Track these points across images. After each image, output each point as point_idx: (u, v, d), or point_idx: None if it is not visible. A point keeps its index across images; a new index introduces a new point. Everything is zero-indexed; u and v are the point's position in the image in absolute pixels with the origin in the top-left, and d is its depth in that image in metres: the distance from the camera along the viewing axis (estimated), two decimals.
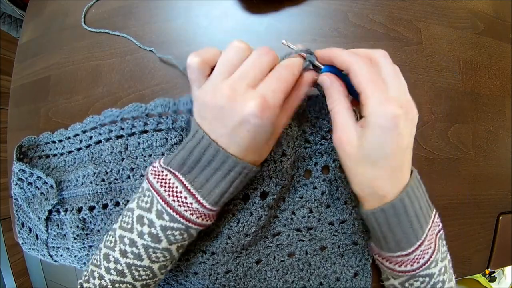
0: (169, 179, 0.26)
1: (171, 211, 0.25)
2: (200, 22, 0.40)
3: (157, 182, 0.26)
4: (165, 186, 0.26)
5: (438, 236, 0.28)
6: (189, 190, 0.25)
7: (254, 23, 0.39)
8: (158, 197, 0.26)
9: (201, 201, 0.25)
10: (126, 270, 0.26)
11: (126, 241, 0.26)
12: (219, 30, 0.39)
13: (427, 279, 0.27)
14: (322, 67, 0.27)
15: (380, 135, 0.22)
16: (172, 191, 0.25)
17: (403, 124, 0.22)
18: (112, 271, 0.26)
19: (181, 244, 0.27)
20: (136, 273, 0.27)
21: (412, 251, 0.25)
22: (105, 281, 0.27)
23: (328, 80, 0.26)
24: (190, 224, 0.26)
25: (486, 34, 0.41)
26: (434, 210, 0.28)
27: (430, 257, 0.26)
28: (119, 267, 0.26)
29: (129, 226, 0.27)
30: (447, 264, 0.29)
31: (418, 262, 0.26)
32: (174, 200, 0.25)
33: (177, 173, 0.25)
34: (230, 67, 0.23)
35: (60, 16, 0.48)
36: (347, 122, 0.24)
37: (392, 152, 0.23)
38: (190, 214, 0.25)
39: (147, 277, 0.27)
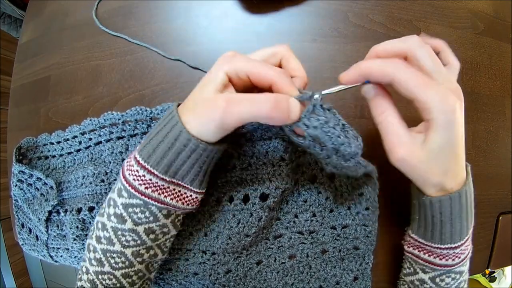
0: (131, 155, 0.26)
1: (127, 185, 0.25)
2: (200, 22, 0.40)
3: (126, 161, 0.26)
4: (128, 163, 0.26)
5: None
6: (138, 160, 0.25)
7: (254, 23, 0.39)
8: (121, 175, 0.26)
9: (149, 168, 0.24)
10: (103, 258, 0.26)
11: (99, 225, 0.27)
12: (219, 30, 0.39)
13: (458, 276, 0.28)
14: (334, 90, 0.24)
15: (445, 132, 0.22)
16: (129, 164, 0.25)
17: (459, 113, 0.22)
18: (93, 261, 0.27)
19: (148, 226, 0.26)
20: (112, 261, 0.26)
21: (460, 244, 0.26)
22: (91, 274, 0.27)
23: (372, 90, 0.24)
24: (147, 199, 0.25)
25: (486, 34, 0.41)
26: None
27: (468, 253, 0.27)
28: (97, 255, 0.26)
29: (102, 210, 0.27)
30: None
31: (459, 257, 0.27)
32: (129, 174, 0.25)
33: (135, 152, 0.26)
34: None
35: (60, 16, 0.48)
36: (402, 135, 0.23)
37: (457, 143, 0.23)
38: (145, 187, 0.25)
39: (123, 265, 0.27)
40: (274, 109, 0.21)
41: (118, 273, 0.27)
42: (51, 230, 0.42)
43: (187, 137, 0.23)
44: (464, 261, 0.27)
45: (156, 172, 0.24)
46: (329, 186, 0.33)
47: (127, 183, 0.25)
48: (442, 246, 0.27)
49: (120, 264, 0.27)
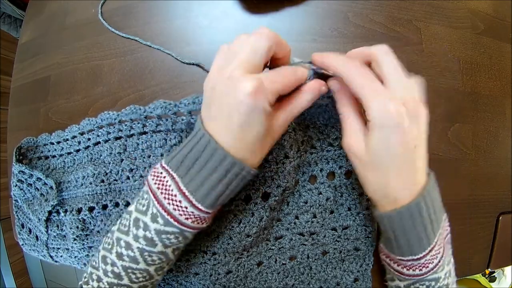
0: (166, 181, 0.25)
1: (165, 214, 0.24)
2: (200, 22, 0.39)
3: (155, 183, 0.26)
4: (161, 188, 0.25)
5: (445, 240, 0.28)
6: (184, 193, 0.24)
7: (254, 23, 0.39)
8: (154, 200, 0.25)
9: (196, 204, 0.24)
10: (122, 273, 0.26)
11: (122, 243, 0.26)
12: (219, 30, 0.39)
13: (433, 283, 0.27)
14: (330, 73, 0.26)
15: (384, 135, 0.22)
16: (168, 193, 0.25)
17: (406, 123, 0.22)
18: (109, 273, 0.26)
19: (176, 246, 0.27)
20: (133, 276, 0.26)
21: (423, 255, 0.25)
22: (103, 283, 0.26)
23: (337, 85, 0.26)
24: (184, 228, 0.25)
25: (486, 34, 0.41)
26: (445, 213, 0.28)
27: (439, 262, 0.26)
28: (116, 269, 0.26)
29: (126, 228, 0.26)
30: (451, 267, 0.29)
31: (427, 267, 0.26)
32: (169, 203, 0.24)
33: (174, 175, 0.25)
34: (231, 56, 0.23)
35: (60, 16, 0.48)
36: (355, 127, 0.25)
37: (399, 152, 0.22)
38: (185, 218, 0.25)
39: (144, 279, 0.27)
40: (312, 101, 0.26)
41: (135, 286, 0.27)
42: (51, 230, 0.42)
43: (241, 166, 0.24)
44: (435, 269, 0.26)
45: (201, 207, 0.24)
46: (329, 187, 0.33)
47: (165, 211, 0.25)
48: (404, 258, 0.26)
49: (140, 279, 0.27)
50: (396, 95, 0.22)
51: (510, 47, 0.42)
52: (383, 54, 0.24)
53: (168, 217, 0.25)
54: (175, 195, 0.24)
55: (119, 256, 0.26)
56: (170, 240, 0.26)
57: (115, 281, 0.26)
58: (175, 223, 0.25)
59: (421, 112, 0.23)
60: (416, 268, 0.26)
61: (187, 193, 0.24)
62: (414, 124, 0.22)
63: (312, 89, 0.25)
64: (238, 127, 0.22)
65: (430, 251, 0.25)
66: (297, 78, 0.25)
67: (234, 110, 0.22)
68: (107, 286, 0.26)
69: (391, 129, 0.22)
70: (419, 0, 0.39)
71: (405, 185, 0.24)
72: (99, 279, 0.27)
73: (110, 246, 0.27)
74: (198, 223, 0.26)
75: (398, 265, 0.28)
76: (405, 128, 0.22)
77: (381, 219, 0.26)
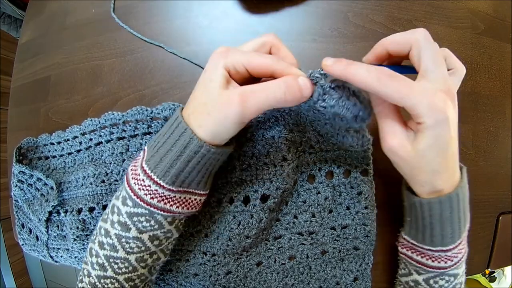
0: (137, 162, 0.25)
1: (132, 195, 0.25)
2: (200, 22, 0.39)
3: (131, 167, 0.26)
4: (133, 170, 0.25)
5: (466, 237, 0.28)
6: (145, 170, 0.24)
7: (254, 23, 0.39)
8: (126, 182, 0.25)
9: (157, 180, 0.24)
10: (106, 263, 0.26)
11: (102, 231, 0.26)
12: (219, 30, 0.39)
13: (452, 278, 0.28)
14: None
15: (434, 133, 0.22)
16: (135, 173, 0.25)
17: (451, 114, 0.22)
18: (95, 265, 0.26)
19: (153, 233, 0.26)
20: (115, 266, 0.26)
21: (452, 248, 0.26)
22: (92, 277, 0.27)
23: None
24: (152, 209, 0.25)
25: (486, 34, 0.41)
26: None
27: (462, 256, 0.27)
28: (99, 260, 0.26)
29: (105, 216, 0.27)
30: (465, 267, 0.29)
31: (452, 260, 0.27)
32: (135, 183, 0.25)
33: (144, 155, 0.25)
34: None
35: (60, 16, 0.48)
36: (397, 127, 0.24)
37: (446, 143, 0.22)
38: (151, 198, 0.24)
39: (126, 270, 0.27)
40: (288, 92, 0.22)
41: (120, 278, 0.27)
42: (51, 230, 0.42)
43: (198, 144, 0.23)
44: (458, 264, 0.27)
45: (163, 183, 0.24)
46: (327, 186, 0.33)
47: (132, 192, 0.25)
48: (433, 249, 0.27)
49: (123, 269, 0.27)
50: (438, 88, 0.22)
51: (510, 47, 0.42)
52: (423, 41, 0.23)
53: (135, 197, 0.25)
54: (139, 174, 0.25)
55: (101, 245, 0.26)
56: (142, 223, 0.25)
57: (101, 273, 0.26)
58: (142, 203, 0.24)
59: (456, 103, 0.23)
60: (441, 260, 0.27)
61: (147, 170, 0.24)
62: (455, 114, 0.22)
63: (285, 81, 0.22)
64: (197, 88, 0.24)
65: (459, 244, 0.26)
66: (269, 65, 0.23)
67: (202, 75, 0.24)
68: (96, 280, 0.26)
69: (441, 125, 0.22)
70: (419, 0, 0.39)
71: (448, 175, 0.24)
72: (89, 274, 0.27)
73: (94, 237, 0.27)
74: (165, 203, 0.25)
75: (423, 257, 0.28)
76: (450, 120, 0.22)
77: (421, 205, 0.26)
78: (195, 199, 0.27)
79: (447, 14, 0.40)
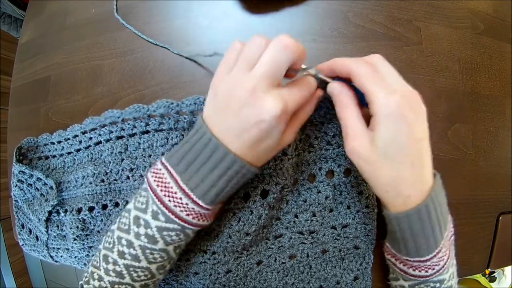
0: (165, 178, 0.25)
1: (166, 211, 0.25)
2: (200, 22, 0.39)
3: (155, 181, 0.26)
4: (161, 186, 0.25)
5: (450, 241, 0.28)
6: (184, 190, 0.24)
7: (254, 23, 0.39)
8: (154, 197, 0.25)
9: (197, 201, 0.24)
10: (124, 271, 0.26)
11: (124, 242, 0.26)
12: (219, 30, 0.39)
13: (437, 284, 0.27)
14: (331, 80, 0.27)
15: (390, 127, 0.22)
16: (168, 191, 0.25)
17: (410, 114, 0.22)
18: (111, 272, 0.26)
19: (178, 244, 0.27)
20: (135, 274, 0.26)
21: (430, 258, 0.25)
22: (104, 282, 0.26)
23: (337, 88, 0.26)
24: (186, 225, 0.25)
25: (486, 34, 0.41)
26: (449, 215, 0.28)
27: (445, 264, 0.26)
28: (117, 268, 0.26)
29: (126, 227, 0.26)
30: (454, 269, 0.29)
31: (433, 269, 0.26)
32: (170, 201, 0.25)
33: (172, 171, 0.25)
34: (251, 61, 0.23)
35: (60, 16, 0.48)
36: (357, 128, 0.24)
37: (406, 143, 0.23)
38: (186, 214, 0.25)
39: (145, 278, 0.27)
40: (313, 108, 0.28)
41: (137, 284, 0.27)
42: (51, 230, 0.42)
43: (241, 165, 0.24)
44: (441, 271, 0.26)
45: (201, 204, 0.25)
46: (328, 185, 0.33)
47: (166, 208, 0.25)
48: (411, 259, 0.26)
49: (142, 277, 0.27)
50: (398, 89, 0.23)
51: (510, 47, 0.42)
52: (378, 59, 0.25)
53: (169, 214, 0.25)
54: (175, 192, 0.25)
55: (121, 254, 0.26)
56: (172, 237, 0.26)
57: (117, 279, 0.26)
58: (177, 220, 0.25)
59: (422, 107, 0.23)
60: (422, 269, 0.26)
61: (187, 190, 0.24)
62: (417, 117, 0.23)
63: (317, 98, 0.27)
64: (253, 140, 0.23)
65: (437, 253, 0.25)
66: (311, 92, 0.26)
67: (254, 125, 0.22)
68: (109, 285, 0.26)
69: (397, 120, 0.22)
70: (419, 0, 0.39)
71: (414, 182, 0.24)
72: (100, 278, 0.27)
73: (111, 245, 0.27)
74: (199, 219, 0.26)
75: (404, 265, 0.28)
76: (409, 120, 0.22)
77: (390, 219, 0.26)
78: (219, 207, 0.28)
79: (447, 14, 0.40)
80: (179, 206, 0.25)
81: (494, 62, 0.41)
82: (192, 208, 0.25)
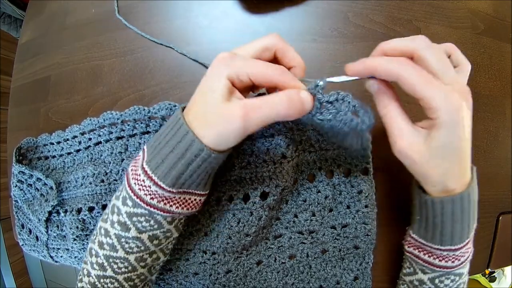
0: (137, 162, 0.25)
1: (132, 195, 0.25)
2: (200, 22, 0.39)
3: (131, 166, 0.26)
4: (133, 171, 0.25)
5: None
6: (146, 171, 0.24)
7: (254, 23, 0.39)
8: (126, 182, 0.25)
9: (157, 182, 0.24)
10: (105, 263, 0.26)
11: (102, 231, 0.26)
12: (219, 30, 0.39)
13: (457, 278, 0.28)
14: (350, 78, 0.25)
15: (449, 132, 0.22)
16: (135, 174, 0.25)
17: (466, 114, 0.22)
18: (95, 265, 0.27)
19: (152, 233, 0.26)
20: (115, 266, 0.26)
21: (461, 247, 0.26)
22: (92, 277, 0.27)
23: (375, 85, 0.25)
24: (152, 209, 0.25)
25: (486, 34, 0.41)
26: None
27: (469, 256, 0.27)
28: (99, 260, 0.26)
29: (106, 216, 0.27)
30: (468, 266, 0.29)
31: (459, 260, 0.27)
32: (135, 184, 0.25)
33: (145, 155, 0.25)
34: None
35: (60, 16, 0.48)
36: (404, 128, 0.24)
37: (460, 145, 0.23)
38: (150, 198, 0.24)
39: (126, 270, 0.27)
40: (290, 107, 0.22)
41: (120, 277, 0.27)
42: (51, 230, 0.42)
43: (199, 147, 0.23)
44: (464, 263, 0.27)
45: (163, 185, 0.24)
46: (328, 185, 0.33)
47: (132, 192, 0.25)
48: (442, 248, 0.27)
49: (123, 269, 0.27)
50: (454, 88, 0.22)
51: (510, 47, 0.42)
52: (427, 48, 0.23)
53: (135, 197, 0.25)
54: (139, 175, 0.25)
55: (101, 245, 0.26)
56: (142, 223, 0.25)
57: (101, 273, 0.26)
58: (142, 204, 0.25)
59: (471, 101, 0.23)
60: (449, 260, 0.27)
61: (148, 171, 0.24)
62: (469, 114, 0.23)
63: (288, 96, 0.22)
64: (200, 91, 0.23)
65: (466, 244, 0.26)
66: (272, 77, 0.23)
67: (204, 79, 0.23)
68: (96, 280, 0.27)
69: (457, 125, 0.22)
70: (419, 0, 0.39)
71: (460, 175, 0.24)
72: (88, 274, 0.27)
73: (94, 237, 0.27)
74: (164, 203, 0.25)
75: (430, 256, 0.28)
76: (467, 121, 0.22)
77: (432, 204, 0.26)
78: (195, 199, 0.27)
79: (447, 14, 0.40)
80: (143, 190, 0.24)
81: (494, 62, 0.41)
82: (155, 191, 0.24)
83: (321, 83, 0.23)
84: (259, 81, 0.23)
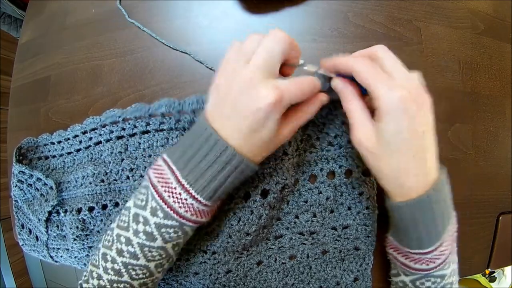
0: (166, 174, 0.25)
1: (165, 207, 0.25)
2: (200, 22, 0.39)
3: (156, 177, 0.26)
4: (162, 182, 0.25)
5: (453, 237, 0.28)
6: (183, 185, 0.24)
7: (254, 23, 0.39)
8: (155, 193, 0.25)
9: (195, 195, 0.24)
10: (123, 270, 0.26)
11: (122, 239, 0.26)
12: (219, 30, 0.39)
13: (438, 279, 0.27)
14: (333, 75, 0.27)
15: (393, 120, 0.23)
16: (168, 186, 0.25)
17: (413, 107, 0.22)
18: (109, 270, 0.26)
19: (176, 242, 0.27)
20: (133, 272, 0.26)
21: (431, 250, 0.26)
22: (103, 281, 0.26)
23: (340, 83, 0.26)
24: (184, 221, 0.25)
25: (486, 34, 0.41)
26: (453, 211, 0.28)
27: (446, 258, 0.27)
28: (116, 266, 0.26)
29: (125, 224, 0.26)
30: (456, 266, 0.29)
31: (434, 262, 0.26)
32: (169, 196, 0.25)
33: (173, 167, 0.25)
34: (248, 56, 0.24)
35: (60, 16, 0.48)
36: (362, 120, 0.25)
37: (409, 136, 0.23)
38: (185, 211, 0.25)
39: (144, 276, 0.27)
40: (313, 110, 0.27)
41: (135, 283, 0.27)
42: (51, 230, 0.42)
43: (239, 159, 0.24)
44: (442, 265, 0.27)
45: (200, 199, 0.25)
46: (329, 186, 0.33)
47: (165, 204, 0.25)
48: (411, 251, 0.27)
49: (140, 275, 0.27)
50: (401, 84, 0.23)
51: (510, 47, 0.42)
52: (383, 52, 0.25)
53: (168, 210, 0.25)
54: (175, 188, 0.25)
55: (119, 252, 0.26)
56: (170, 234, 0.26)
57: (115, 278, 0.26)
58: (175, 216, 0.25)
59: (426, 99, 0.24)
60: (423, 262, 0.27)
61: (186, 185, 0.24)
62: (420, 110, 0.23)
63: (319, 101, 0.27)
64: (249, 129, 0.23)
65: (439, 246, 0.26)
66: (312, 92, 0.26)
67: (250, 114, 0.23)
68: (107, 284, 0.26)
69: (400, 114, 0.22)
70: (419, 0, 0.39)
71: (417, 174, 0.24)
72: (99, 277, 0.27)
73: (110, 243, 0.27)
74: (197, 216, 0.26)
75: (405, 258, 0.28)
76: (412, 113, 0.22)
77: (392, 209, 0.26)
78: (218, 205, 0.28)
79: (447, 14, 0.40)
80: (178, 202, 0.25)
81: (494, 62, 0.41)
82: (191, 204, 0.25)
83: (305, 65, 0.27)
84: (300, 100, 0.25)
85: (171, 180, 0.25)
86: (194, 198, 0.25)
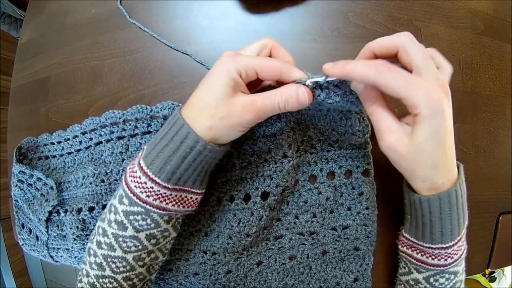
0: (134, 161, 0.26)
1: (129, 192, 0.25)
2: (200, 22, 0.40)
3: (129, 167, 0.26)
4: (131, 169, 0.26)
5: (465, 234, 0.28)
6: (142, 167, 0.24)
7: (254, 23, 0.39)
8: (123, 180, 0.26)
9: (152, 177, 0.24)
10: (104, 263, 0.26)
11: (100, 231, 0.26)
12: (219, 30, 0.39)
13: (452, 276, 0.28)
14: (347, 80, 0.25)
15: (431, 124, 0.22)
16: (132, 171, 0.25)
17: (447, 107, 0.22)
18: (93, 265, 0.27)
19: (149, 232, 0.26)
20: (113, 265, 0.26)
21: (452, 245, 0.26)
22: (91, 277, 0.27)
23: (360, 85, 0.25)
24: (148, 207, 0.25)
25: (486, 34, 0.41)
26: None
27: (462, 253, 0.27)
28: (97, 260, 0.26)
29: (104, 216, 0.27)
30: (464, 264, 0.29)
31: (452, 258, 0.27)
32: (131, 181, 0.25)
33: (139, 153, 0.25)
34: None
35: (60, 16, 0.48)
36: (390, 124, 0.24)
37: (444, 138, 0.23)
38: (146, 196, 0.24)
39: (124, 269, 0.27)
40: (288, 102, 0.24)
41: (119, 277, 0.27)
42: (51, 230, 0.42)
43: (195, 139, 0.23)
44: (458, 261, 0.27)
45: (158, 180, 0.24)
46: (329, 186, 0.33)
47: (129, 190, 0.25)
48: (433, 246, 0.27)
49: (121, 269, 0.27)
50: (432, 82, 0.22)
51: (510, 47, 0.42)
52: (410, 43, 0.23)
53: (131, 195, 0.25)
54: (136, 171, 0.25)
55: (99, 244, 0.26)
56: (138, 221, 0.25)
57: (100, 272, 0.26)
58: (138, 201, 0.25)
59: (449, 96, 0.23)
60: (441, 258, 0.27)
61: (144, 167, 0.24)
62: (450, 107, 0.23)
63: (288, 90, 0.24)
64: (204, 94, 0.24)
65: (458, 241, 0.26)
66: (279, 67, 0.24)
67: (206, 80, 0.24)
68: (95, 280, 0.27)
69: (439, 115, 0.22)
70: (419, 0, 0.39)
71: (448, 169, 0.24)
72: (87, 274, 0.27)
73: (92, 237, 0.27)
74: (160, 201, 0.25)
75: (423, 255, 0.28)
76: (448, 113, 0.22)
77: (420, 203, 0.26)
78: (191, 198, 0.27)
79: (447, 14, 0.40)
80: (139, 187, 0.24)
81: (494, 62, 0.41)
82: (151, 187, 0.24)
83: (321, 80, 0.25)
84: (266, 73, 0.24)
85: (134, 165, 0.25)
86: (152, 180, 0.24)
